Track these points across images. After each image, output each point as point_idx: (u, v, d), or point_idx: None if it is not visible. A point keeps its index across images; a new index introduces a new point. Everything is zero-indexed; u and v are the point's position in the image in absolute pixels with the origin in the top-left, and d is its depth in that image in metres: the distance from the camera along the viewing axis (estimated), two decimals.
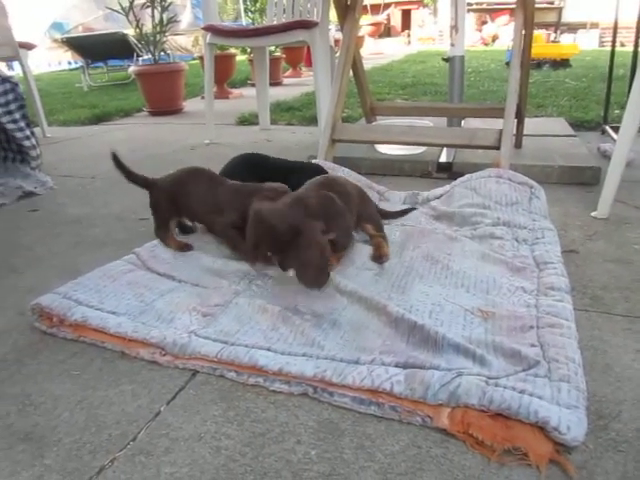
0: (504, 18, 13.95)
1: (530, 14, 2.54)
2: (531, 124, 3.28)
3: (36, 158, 2.92)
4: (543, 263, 1.64)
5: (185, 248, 1.83)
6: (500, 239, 1.82)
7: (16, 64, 4.43)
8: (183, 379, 1.24)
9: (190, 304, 1.48)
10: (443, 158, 2.82)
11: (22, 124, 2.81)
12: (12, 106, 2.76)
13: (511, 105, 2.31)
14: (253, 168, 2.08)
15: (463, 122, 3.46)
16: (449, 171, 2.73)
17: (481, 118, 3.37)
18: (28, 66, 4.24)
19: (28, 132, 2.84)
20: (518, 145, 2.96)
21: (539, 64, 7.34)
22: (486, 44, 13.67)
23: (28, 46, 4.36)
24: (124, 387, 1.22)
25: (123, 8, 5.20)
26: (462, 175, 2.26)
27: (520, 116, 2.84)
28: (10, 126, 2.75)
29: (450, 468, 0.96)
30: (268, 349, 1.27)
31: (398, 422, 1.08)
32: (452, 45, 3.22)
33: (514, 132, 2.61)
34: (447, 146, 2.82)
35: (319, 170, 2.19)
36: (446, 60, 3.30)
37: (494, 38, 13.81)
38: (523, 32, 2.49)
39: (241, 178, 1.95)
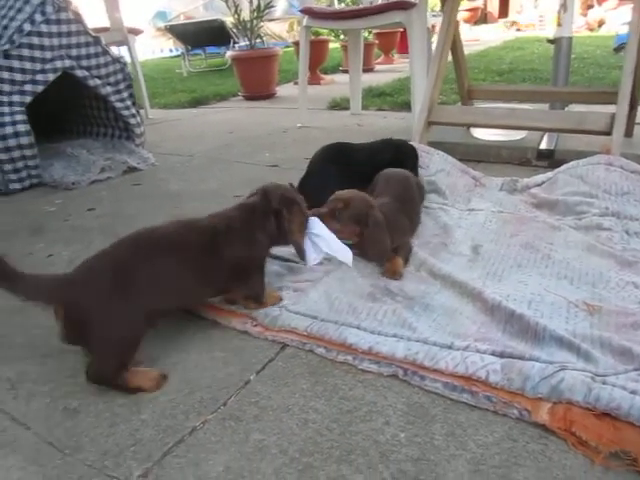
0: (612, 2, 12.94)
1: None
2: None
3: (140, 135, 3.07)
4: None
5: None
6: (608, 230, 1.69)
7: (124, 52, 4.66)
8: (273, 351, 1.25)
9: (282, 279, 1.49)
10: (544, 145, 2.66)
11: (129, 103, 2.97)
12: (121, 85, 2.92)
13: (626, 87, 2.13)
14: (337, 155, 2.07)
15: (567, 109, 3.24)
16: (550, 159, 2.57)
17: (587, 104, 3.15)
18: (135, 51, 4.45)
19: (134, 110, 3.00)
20: (629, 133, 2.72)
21: None
22: (591, 29, 12.76)
23: (135, 31, 4.59)
24: (216, 354, 1.25)
25: None
26: (564, 164, 2.12)
27: (633, 102, 2.61)
28: (118, 105, 2.91)
29: (549, 466, 0.90)
30: (357, 327, 1.25)
31: (492, 413, 1.03)
32: (559, 25, 3.02)
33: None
34: (553, 130, 2.65)
35: (400, 147, 2.13)
36: (551, 42, 3.10)
37: (600, 23, 12.85)
38: None
39: (327, 167, 2.01)
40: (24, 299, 1.08)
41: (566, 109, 3.19)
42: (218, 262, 1.28)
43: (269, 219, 1.36)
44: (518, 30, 13.34)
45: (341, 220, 1.52)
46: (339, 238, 1.46)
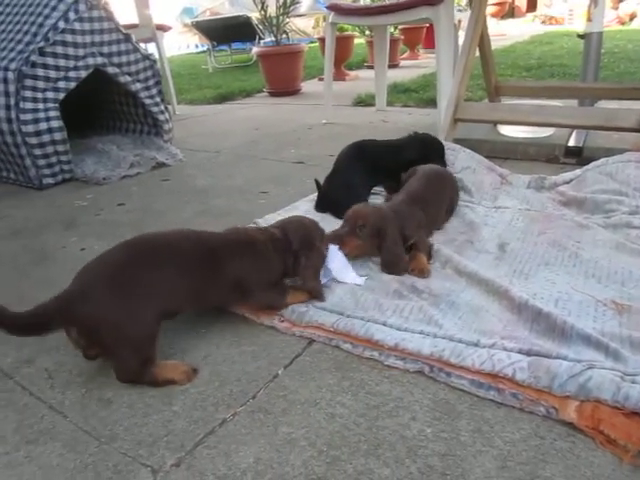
0: None
1: None
2: None
3: (168, 132, 3.13)
4: None
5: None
6: (638, 229, 1.67)
7: (151, 49, 4.73)
8: (300, 346, 1.27)
9: None
10: (572, 142, 2.62)
11: (158, 99, 3.02)
12: (150, 82, 2.97)
13: None
14: (363, 152, 2.09)
15: (596, 105, 3.19)
16: (578, 156, 2.54)
17: (617, 100, 3.09)
18: (163, 47, 4.51)
19: (162, 107, 3.06)
20: None
21: None
22: (622, 23, 12.44)
23: (164, 28, 4.64)
24: (245, 348, 1.28)
25: None
26: (593, 161, 2.09)
27: None
28: (147, 101, 2.97)
29: (576, 464, 0.91)
30: (384, 323, 1.26)
31: (519, 410, 1.03)
32: (589, 20, 2.97)
33: None
34: (581, 127, 2.62)
35: (426, 142, 2.13)
36: (581, 37, 3.04)
37: (632, 17, 12.52)
38: None
39: (353, 164, 2.04)
40: (36, 335, 1.13)
41: (596, 105, 3.15)
42: (218, 274, 1.27)
43: (287, 255, 1.37)
44: (550, 24, 13.06)
45: (362, 237, 1.55)
46: (360, 254, 1.57)
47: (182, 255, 1.24)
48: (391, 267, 1.54)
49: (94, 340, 1.16)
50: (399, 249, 1.55)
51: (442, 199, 1.84)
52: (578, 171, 2.09)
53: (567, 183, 2.06)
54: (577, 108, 2.85)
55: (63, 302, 1.11)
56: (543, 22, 13.54)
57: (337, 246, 1.51)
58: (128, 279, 1.14)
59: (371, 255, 1.61)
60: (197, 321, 1.39)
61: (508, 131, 2.83)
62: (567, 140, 2.64)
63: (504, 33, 11.81)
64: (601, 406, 0.98)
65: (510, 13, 16.62)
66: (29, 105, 2.50)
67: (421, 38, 8.18)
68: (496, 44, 8.79)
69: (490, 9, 13.78)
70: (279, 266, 1.36)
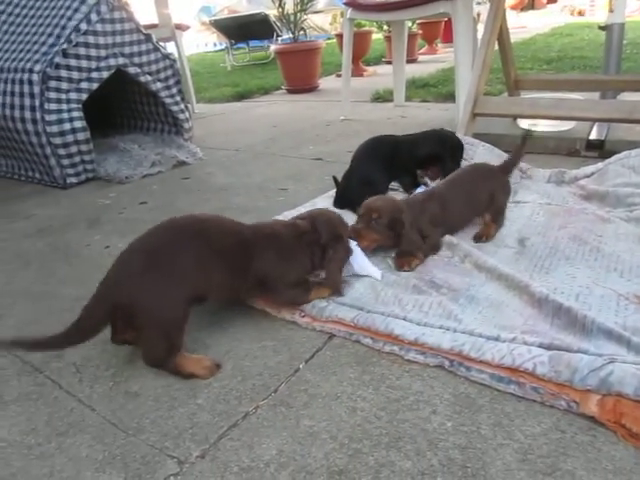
0: None
1: None
2: None
3: (188, 130, 3.17)
4: None
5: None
6: None
7: (170, 48, 4.78)
8: (320, 341, 1.29)
9: None
10: (594, 135, 2.59)
11: (178, 98, 3.07)
12: (170, 81, 3.01)
13: None
14: (380, 148, 2.09)
15: (618, 98, 3.14)
16: (600, 150, 2.51)
17: None
18: (182, 46, 4.55)
19: (182, 106, 3.10)
20: None
21: None
22: None
23: (183, 27, 4.69)
24: (266, 343, 1.30)
25: None
26: (615, 154, 2.07)
27: None
28: (168, 100, 3.01)
29: (597, 457, 0.91)
30: (404, 318, 1.27)
31: (540, 404, 1.03)
32: (611, 11, 2.92)
33: None
34: (603, 120, 2.58)
35: (441, 138, 2.12)
36: (603, 28, 3.00)
37: None
38: None
39: (370, 161, 2.04)
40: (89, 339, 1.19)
41: (618, 98, 3.10)
42: (246, 266, 1.29)
43: (315, 250, 1.38)
44: (577, 15, 12.83)
45: (378, 230, 1.57)
46: (379, 246, 1.59)
47: (216, 242, 1.26)
48: (408, 254, 1.56)
49: (130, 322, 1.19)
50: (415, 235, 1.57)
51: (471, 197, 1.74)
52: (600, 164, 2.06)
53: (588, 177, 2.04)
54: (599, 101, 2.81)
55: (102, 295, 1.17)
56: (573, 14, 13.24)
57: (354, 241, 1.52)
58: (163, 262, 1.17)
59: (388, 247, 1.62)
60: (219, 316, 1.42)
61: (528, 124, 2.80)
62: (588, 133, 2.61)
63: (524, 25, 11.64)
64: (623, 400, 0.98)
65: (530, 5, 16.36)
66: (53, 106, 2.56)
67: (439, 32, 8.11)
68: (516, 37, 8.68)
69: (510, 1, 13.58)
70: (306, 262, 1.38)
